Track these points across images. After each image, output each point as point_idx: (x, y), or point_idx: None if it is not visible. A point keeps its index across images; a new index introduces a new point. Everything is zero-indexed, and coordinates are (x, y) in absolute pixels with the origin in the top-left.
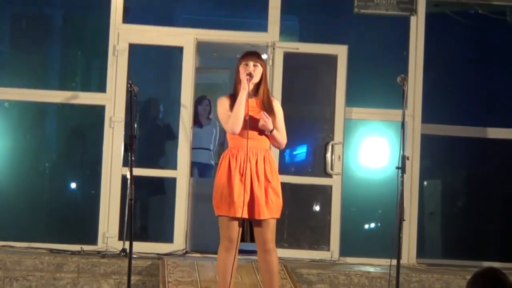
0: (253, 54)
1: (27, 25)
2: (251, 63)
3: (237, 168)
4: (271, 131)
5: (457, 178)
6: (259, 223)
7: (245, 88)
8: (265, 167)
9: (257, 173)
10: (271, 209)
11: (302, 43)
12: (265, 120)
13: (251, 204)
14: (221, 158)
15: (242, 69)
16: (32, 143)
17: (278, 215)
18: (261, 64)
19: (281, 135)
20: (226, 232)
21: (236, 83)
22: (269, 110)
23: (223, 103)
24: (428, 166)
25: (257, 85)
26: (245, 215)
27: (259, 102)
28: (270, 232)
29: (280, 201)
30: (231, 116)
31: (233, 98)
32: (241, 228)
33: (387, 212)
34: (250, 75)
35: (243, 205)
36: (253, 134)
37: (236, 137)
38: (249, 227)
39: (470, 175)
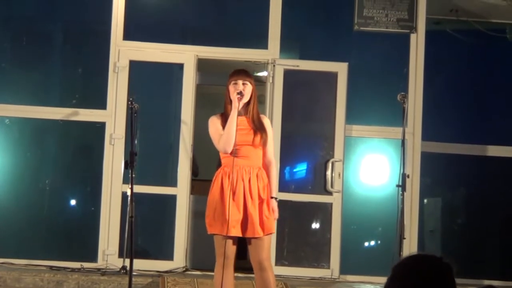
0: (241, 72)
1: (27, 43)
2: (240, 82)
3: (230, 187)
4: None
5: (457, 196)
6: (254, 242)
7: (236, 107)
8: (258, 184)
9: (250, 191)
10: (265, 226)
11: (303, 61)
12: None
13: (245, 222)
14: (214, 177)
15: (231, 88)
16: (32, 160)
17: (273, 230)
18: (250, 82)
19: (274, 169)
20: (222, 250)
21: (226, 103)
22: (260, 128)
23: (214, 123)
24: (428, 184)
25: (247, 104)
26: (239, 234)
27: (249, 120)
28: (265, 251)
29: (272, 216)
30: (222, 136)
31: (224, 117)
32: (236, 246)
33: (387, 230)
34: (240, 93)
35: (235, 224)
36: (245, 152)
37: (229, 156)
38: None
39: (470, 193)
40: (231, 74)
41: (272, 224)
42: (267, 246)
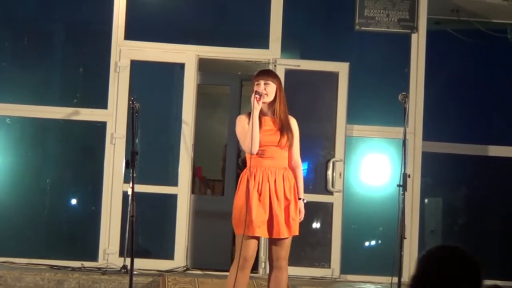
0: (263, 72)
1: (28, 42)
2: (262, 82)
3: (256, 188)
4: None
5: (457, 196)
6: (275, 240)
7: (256, 107)
8: (284, 185)
9: (276, 192)
10: (291, 227)
11: (304, 60)
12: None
13: (270, 223)
14: (240, 178)
15: (255, 89)
16: (33, 159)
17: (297, 232)
18: (273, 82)
19: (300, 170)
20: (243, 251)
21: (251, 99)
22: (287, 129)
23: (241, 122)
24: (428, 183)
25: (272, 103)
26: (265, 234)
27: (276, 121)
28: (284, 249)
29: (298, 217)
30: (246, 137)
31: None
32: (256, 249)
33: (388, 230)
34: (257, 93)
35: (260, 224)
36: (271, 153)
37: (254, 157)
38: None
39: (470, 193)
40: (255, 75)
41: (297, 226)
42: (286, 246)
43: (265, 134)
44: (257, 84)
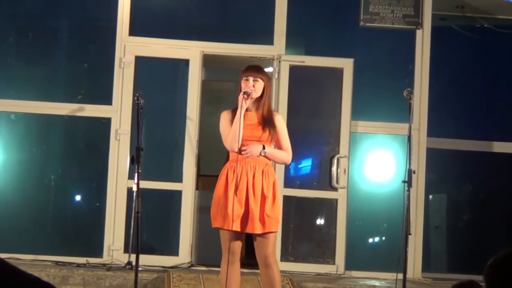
0: (253, 68)
1: (33, 38)
2: (251, 78)
3: (234, 181)
4: (261, 154)
5: (462, 192)
6: (258, 238)
7: (242, 106)
8: (263, 181)
9: (253, 187)
10: (265, 223)
11: (308, 56)
12: (246, 152)
13: (245, 218)
14: (221, 171)
15: (243, 84)
16: (38, 156)
17: (275, 229)
18: (261, 78)
19: (285, 152)
20: (227, 245)
21: (238, 98)
22: (269, 124)
23: (225, 118)
24: (433, 180)
25: (259, 99)
26: (239, 228)
27: (259, 116)
28: (269, 246)
29: (277, 215)
30: (229, 135)
31: (235, 112)
32: (241, 241)
33: (393, 226)
34: (246, 93)
35: (235, 218)
36: None
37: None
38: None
39: (475, 189)
40: (243, 70)
41: (274, 224)
42: (272, 243)
43: (247, 129)
44: (246, 80)
